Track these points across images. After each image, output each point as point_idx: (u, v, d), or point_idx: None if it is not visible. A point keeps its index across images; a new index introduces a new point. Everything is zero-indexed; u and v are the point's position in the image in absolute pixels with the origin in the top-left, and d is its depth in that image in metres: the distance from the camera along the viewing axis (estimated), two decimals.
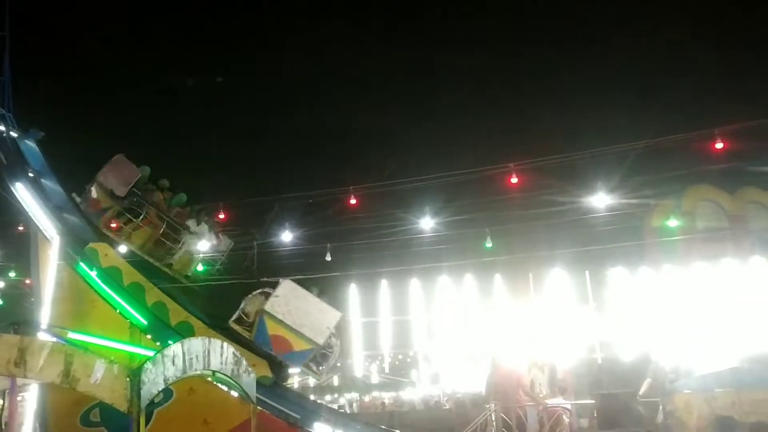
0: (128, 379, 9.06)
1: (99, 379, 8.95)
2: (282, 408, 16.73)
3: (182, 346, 9.93)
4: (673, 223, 16.69)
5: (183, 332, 15.96)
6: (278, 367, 16.39)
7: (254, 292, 16.37)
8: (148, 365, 9.30)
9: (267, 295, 16.04)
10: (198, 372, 10.87)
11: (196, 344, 10.23)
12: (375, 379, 23.01)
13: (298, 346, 16.24)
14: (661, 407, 14.15)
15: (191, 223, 16.87)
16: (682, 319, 14.68)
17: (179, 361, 9.67)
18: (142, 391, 8.87)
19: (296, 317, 16.00)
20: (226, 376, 11.31)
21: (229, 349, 11.12)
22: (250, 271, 16.81)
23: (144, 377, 8.99)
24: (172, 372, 9.58)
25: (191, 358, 9.89)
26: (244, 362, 11.76)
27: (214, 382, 16.21)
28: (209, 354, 10.37)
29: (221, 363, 10.84)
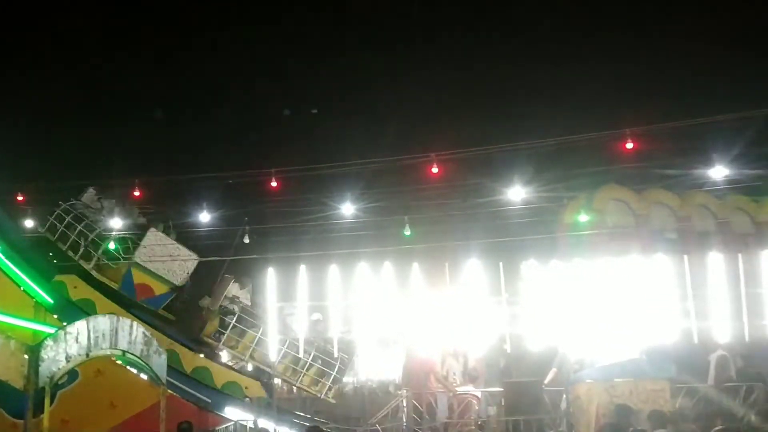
0: (26, 355, 8.57)
1: None
2: (193, 391, 16.39)
3: (87, 323, 9.51)
4: (583, 218, 17.17)
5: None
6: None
7: None
8: (49, 342, 8.85)
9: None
10: (106, 351, 10.45)
11: (102, 322, 9.82)
12: None
13: (159, 290, 17.00)
14: (564, 395, 14.59)
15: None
16: (588, 312, 15.13)
17: (83, 339, 9.26)
18: (40, 369, 8.41)
19: (159, 264, 16.72)
20: (135, 356, 10.93)
21: (138, 329, 10.75)
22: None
23: (43, 354, 8.53)
24: (75, 350, 9.15)
25: (97, 337, 9.49)
26: (155, 343, 11.39)
27: (124, 365, 15.74)
28: (117, 333, 9.98)
29: (130, 342, 10.46)
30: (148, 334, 11.12)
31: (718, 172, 14.25)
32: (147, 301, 16.97)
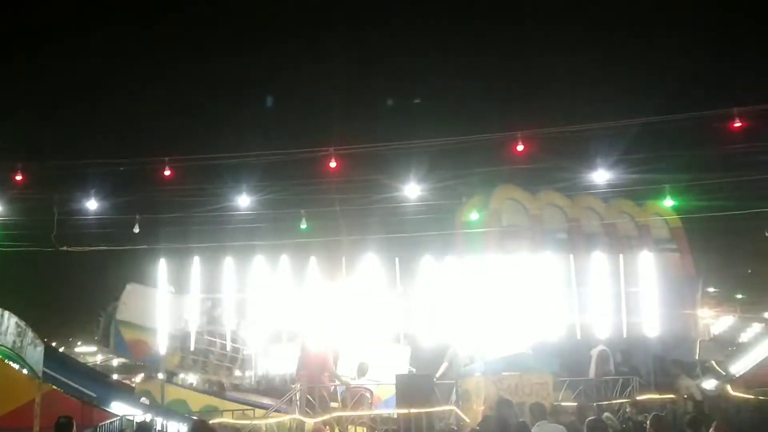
0: None
1: None
2: (76, 386, 15.64)
3: None
4: (474, 217, 17.49)
5: None
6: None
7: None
8: None
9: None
10: None
11: None
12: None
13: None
14: (455, 389, 14.79)
15: None
16: (480, 308, 15.42)
17: None
18: None
19: (148, 317, 15.89)
20: (6, 348, 10.23)
21: (11, 319, 10.08)
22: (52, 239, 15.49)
23: None
24: None
25: None
26: (30, 334, 10.74)
27: (2, 358, 14.82)
28: None
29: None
30: (22, 324, 10.46)
31: (601, 176, 14.84)
32: (146, 360, 16.79)
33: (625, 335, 15.81)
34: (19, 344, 10.37)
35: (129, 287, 16.30)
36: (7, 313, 10.24)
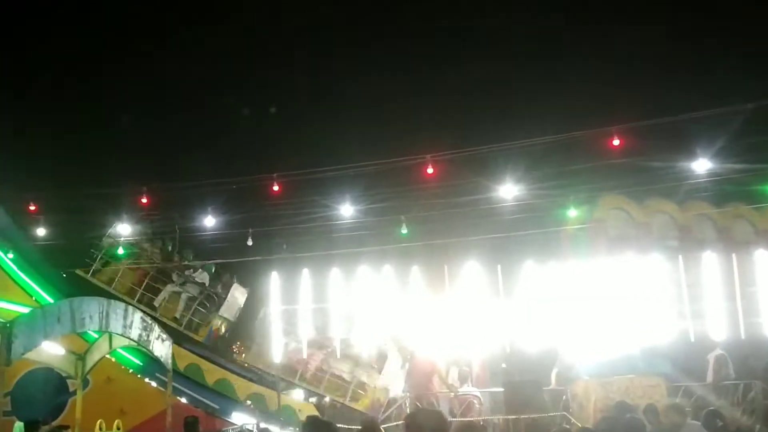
0: None
1: None
2: (200, 397, 16.09)
3: (71, 303, 9.06)
4: (572, 213, 16.66)
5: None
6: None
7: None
8: (23, 319, 8.39)
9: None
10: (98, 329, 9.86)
11: (90, 303, 9.41)
12: None
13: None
14: (564, 396, 13.95)
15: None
16: (585, 311, 14.56)
17: (66, 319, 8.78)
18: (13, 345, 7.84)
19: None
20: (133, 340, 10.46)
21: (135, 314, 10.32)
22: (171, 255, 16.23)
23: (16, 330, 7.95)
24: (58, 329, 8.67)
25: (83, 318, 9.06)
26: (157, 329, 10.97)
27: (135, 372, 15.55)
28: (107, 315, 9.54)
29: (124, 326, 9.99)
30: (147, 320, 10.70)
31: (701, 165, 13.67)
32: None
33: (743, 337, 14.31)
34: (145, 338, 10.57)
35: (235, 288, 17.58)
36: (131, 308, 10.49)
